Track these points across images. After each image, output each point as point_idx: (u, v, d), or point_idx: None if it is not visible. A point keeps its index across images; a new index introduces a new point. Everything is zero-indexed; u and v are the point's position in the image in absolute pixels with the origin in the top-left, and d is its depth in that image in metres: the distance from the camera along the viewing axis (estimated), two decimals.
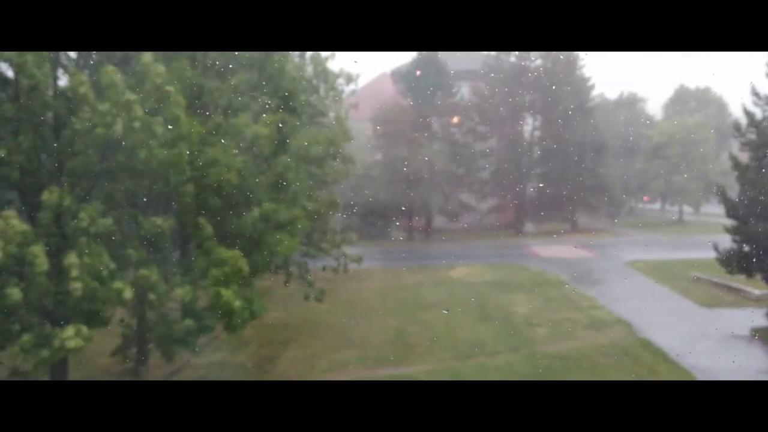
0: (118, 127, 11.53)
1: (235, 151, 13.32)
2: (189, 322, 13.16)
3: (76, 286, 11.13)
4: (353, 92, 31.13)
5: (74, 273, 11.12)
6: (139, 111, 11.65)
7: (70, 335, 11.17)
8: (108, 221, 11.94)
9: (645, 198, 35.44)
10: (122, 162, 12.55)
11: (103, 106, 11.51)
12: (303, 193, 15.58)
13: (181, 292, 12.61)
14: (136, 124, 11.65)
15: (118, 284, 11.64)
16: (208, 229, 13.13)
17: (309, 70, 25.82)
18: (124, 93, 11.53)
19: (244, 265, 12.71)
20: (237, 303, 12.65)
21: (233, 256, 12.70)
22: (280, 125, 14.31)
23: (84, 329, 11.40)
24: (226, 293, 12.42)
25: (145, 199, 13.58)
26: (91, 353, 14.67)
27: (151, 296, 12.44)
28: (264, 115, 14.24)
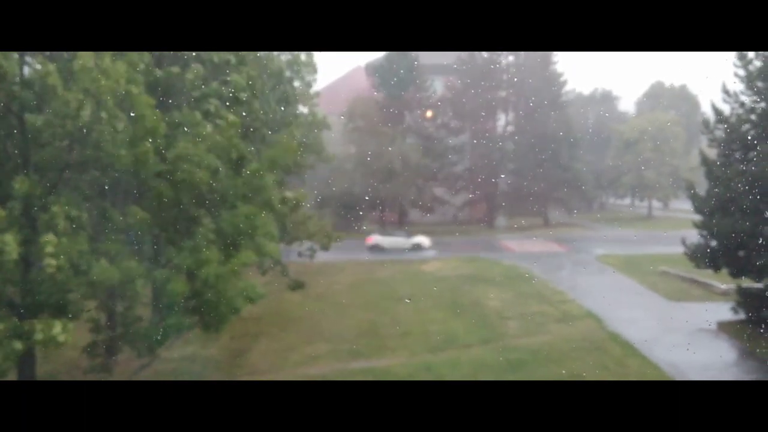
0: (85, 113, 11.33)
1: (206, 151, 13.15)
2: (172, 321, 13.03)
3: (51, 263, 10.94)
4: (318, 91, 31.08)
5: (49, 249, 10.92)
6: (108, 99, 11.48)
7: (58, 330, 11.03)
8: (78, 212, 11.76)
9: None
10: (90, 154, 12.35)
11: (72, 94, 11.31)
12: (276, 197, 15.51)
13: (175, 286, 12.46)
14: (104, 114, 11.47)
15: (100, 268, 11.49)
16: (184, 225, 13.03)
17: (283, 62, 25.64)
18: (96, 80, 11.34)
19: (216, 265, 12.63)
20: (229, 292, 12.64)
21: (212, 254, 12.62)
22: (246, 130, 14.16)
23: (69, 324, 11.27)
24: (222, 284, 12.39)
25: (114, 192, 13.39)
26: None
27: (133, 288, 12.29)
28: (223, 120, 14.02)
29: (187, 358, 17.58)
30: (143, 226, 12.83)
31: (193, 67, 14.53)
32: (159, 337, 13.38)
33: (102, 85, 11.31)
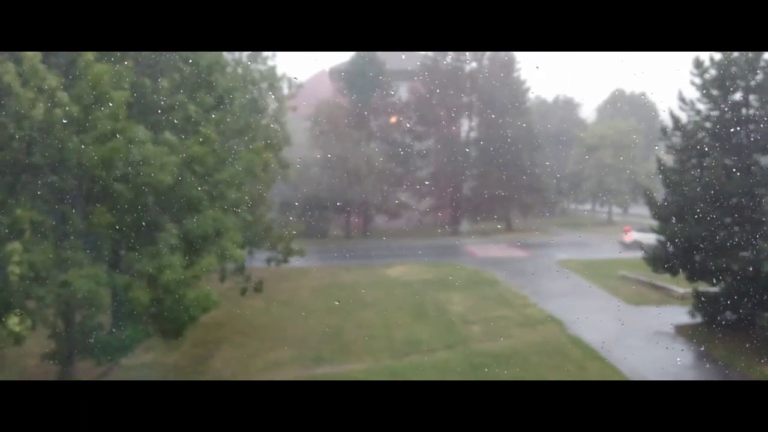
0: (37, 112, 11.13)
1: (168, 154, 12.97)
2: (132, 329, 12.84)
3: (15, 271, 10.73)
4: (292, 94, 31.06)
5: (15, 258, 10.73)
6: (63, 98, 11.28)
7: (15, 322, 10.82)
8: (38, 216, 11.55)
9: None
10: (50, 156, 12.11)
11: (27, 94, 11.10)
12: (242, 203, 15.42)
13: (137, 294, 12.27)
14: (58, 111, 11.26)
15: (69, 278, 11.30)
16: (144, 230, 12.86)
17: (249, 68, 25.54)
18: (45, 79, 11.14)
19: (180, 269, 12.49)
20: (189, 297, 12.49)
21: (175, 259, 12.47)
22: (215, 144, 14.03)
23: (28, 320, 11.08)
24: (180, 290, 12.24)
25: (75, 196, 13.14)
26: (13, 355, 14.15)
27: (96, 297, 12.09)
28: (199, 131, 13.90)
29: (148, 365, 17.32)
30: (105, 230, 12.64)
31: (171, 77, 14.36)
32: (119, 345, 13.18)
33: (54, 86, 11.13)
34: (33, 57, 11.15)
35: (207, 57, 15.28)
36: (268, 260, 22.96)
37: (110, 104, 11.70)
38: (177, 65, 14.89)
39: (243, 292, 19.86)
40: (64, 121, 11.40)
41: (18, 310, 11.09)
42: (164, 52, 14.29)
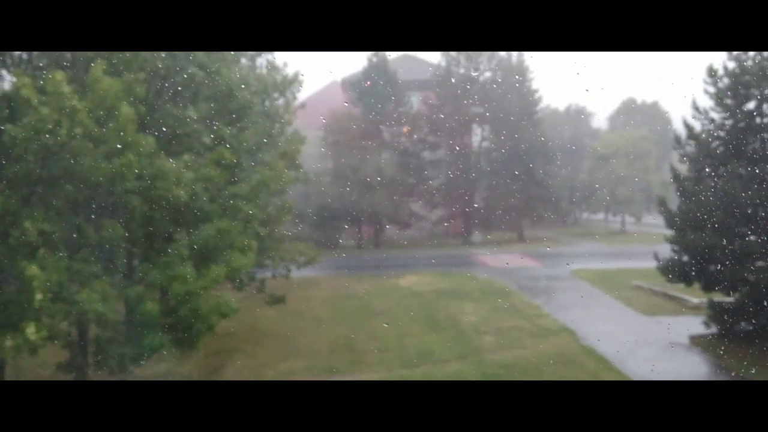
0: (62, 132, 11.25)
1: (184, 170, 13.03)
2: (146, 339, 12.86)
3: (37, 297, 10.85)
4: (302, 103, 31.21)
5: (36, 284, 10.84)
6: (84, 119, 11.37)
7: (32, 331, 10.90)
8: (51, 227, 11.64)
9: None
10: (64, 169, 12.20)
11: (45, 111, 11.19)
12: (256, 218, 15.47)
13: (150, 305, 12.34)
14: (78, 130, 11.36)
15: (85, 296, 11.39)
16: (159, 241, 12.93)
17: (262, 75, 25.68)
18: (69, 99, 11.23)
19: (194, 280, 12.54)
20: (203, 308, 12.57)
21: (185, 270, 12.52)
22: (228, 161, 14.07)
23: (44, 330, 11.17)
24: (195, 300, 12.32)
25: (88, 208, 13.23)
26: (27, 365, 14.22)
27: (109, 310, 12.17)
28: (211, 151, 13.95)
29: (161, 375, 17.34)
30: (117, 241, 12.70)
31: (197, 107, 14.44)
32: (132, 356, 13.22)
33: (77, 107, 11.20)
34: (59, 82, 11.19)
35: (225, 72, 15.37)
36: (279, 271, 22.96)
37: (120, 119, 11.77)
38: (194, 80, 14.94)
39: (271, 302, 20.03)
40: (77, 135, 11.47)
41: (34, 321, 11.17)
42: (179, 67, 14.37)
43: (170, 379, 17.33)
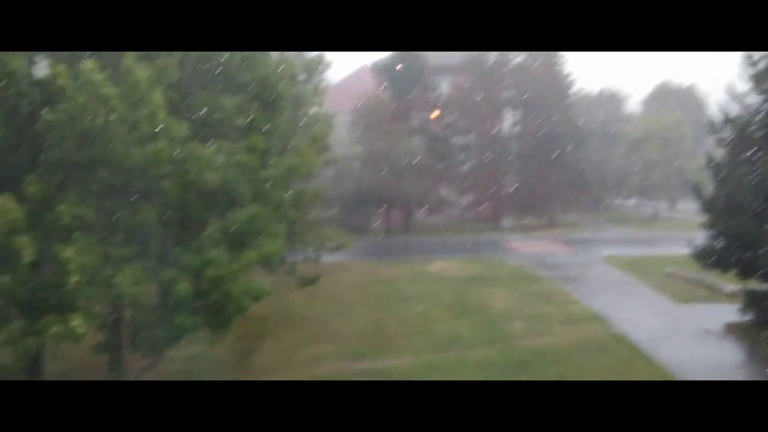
0: (99, 120, 11.41)
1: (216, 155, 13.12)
2: (179, 322, 13.03)
3: (74, 279, 11.08)
4: (331, 86, 31.31)
5: (72, 266, 11.06)
6: (118, 105, 11.51)
7: (79, 323, 11.17)
8: (87, 212, 11.85)
9: None
10: (99, 154, 12.37)
11: (82, 98, 11.34)
12: (286, 203, 15.55)
13: (183, 287, 12.50)
14: (113, 117, 11.51)
15: (121, 279, 11.63)
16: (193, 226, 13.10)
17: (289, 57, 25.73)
18: (102, 87, 11.36)
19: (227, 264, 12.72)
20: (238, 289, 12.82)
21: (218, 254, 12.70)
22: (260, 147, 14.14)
23: (90, 319, 11.48)
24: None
25: (122, 192, 13.40)
26: (63, 346, 14.52)
27: (143, 293, 12.40)
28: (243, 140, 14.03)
29: (193, 357, 17.62)
30: (151, 226, 12.87)
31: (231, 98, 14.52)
32: (166, 338, 13.43)
33: (111, 94, 11.34)
34: (92, 71, 11.31)
35: (259, 57, 15.43)
36: (310, 255, 23.08)
37: (151, 105, 11.88)
38: (229, 66, 14.98)
39: (302, 284, 20.27)
40: (112, 121, 11.62)
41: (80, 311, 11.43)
42: (213, 57, 14.43)
43: (201, 361, 17.61)
